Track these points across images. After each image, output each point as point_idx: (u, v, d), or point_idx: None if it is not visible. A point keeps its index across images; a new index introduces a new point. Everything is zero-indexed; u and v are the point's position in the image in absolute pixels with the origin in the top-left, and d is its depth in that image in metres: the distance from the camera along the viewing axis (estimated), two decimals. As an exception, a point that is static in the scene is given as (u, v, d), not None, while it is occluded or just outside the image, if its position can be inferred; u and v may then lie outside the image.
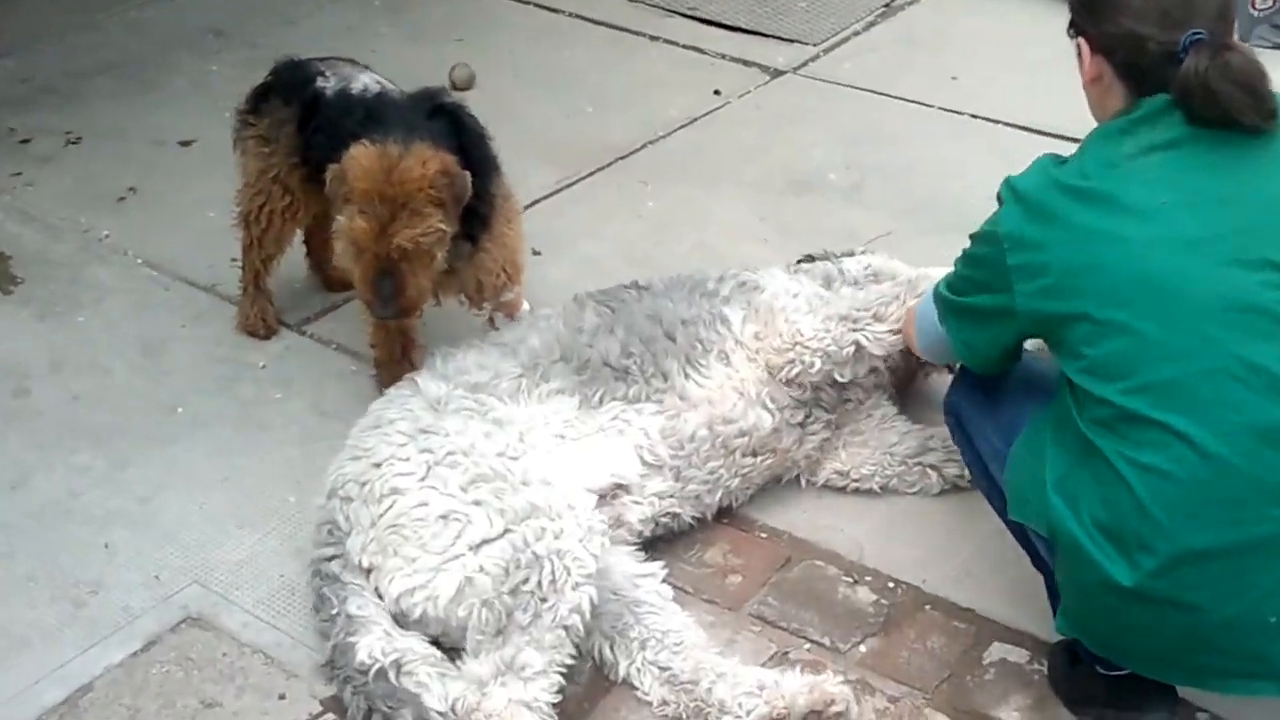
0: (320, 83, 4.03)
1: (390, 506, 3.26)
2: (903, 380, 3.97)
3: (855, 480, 3.76)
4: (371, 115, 3.77)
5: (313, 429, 4.01)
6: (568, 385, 3.56)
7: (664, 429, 3.56)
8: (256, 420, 4.06)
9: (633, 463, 3.52)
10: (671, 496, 3.56)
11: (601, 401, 3.56)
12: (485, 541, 3.16)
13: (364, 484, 3.32)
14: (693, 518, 3.62)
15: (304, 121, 4.03)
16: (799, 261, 4.24)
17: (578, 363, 3.60)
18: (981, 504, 3.35)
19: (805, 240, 4.81)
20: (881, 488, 3.75)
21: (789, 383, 3.65)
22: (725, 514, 3.69)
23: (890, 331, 3.63)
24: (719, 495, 3.64)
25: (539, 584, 3.08)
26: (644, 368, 3.61)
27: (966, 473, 3.49)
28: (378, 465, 3.34)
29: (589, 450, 3.49)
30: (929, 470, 3.75)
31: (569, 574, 3.10)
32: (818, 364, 3.62)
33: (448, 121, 3.78)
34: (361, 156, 3.54)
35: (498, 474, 3.26)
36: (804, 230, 4.91)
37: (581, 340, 3.65)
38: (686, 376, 3.63)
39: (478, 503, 3.21)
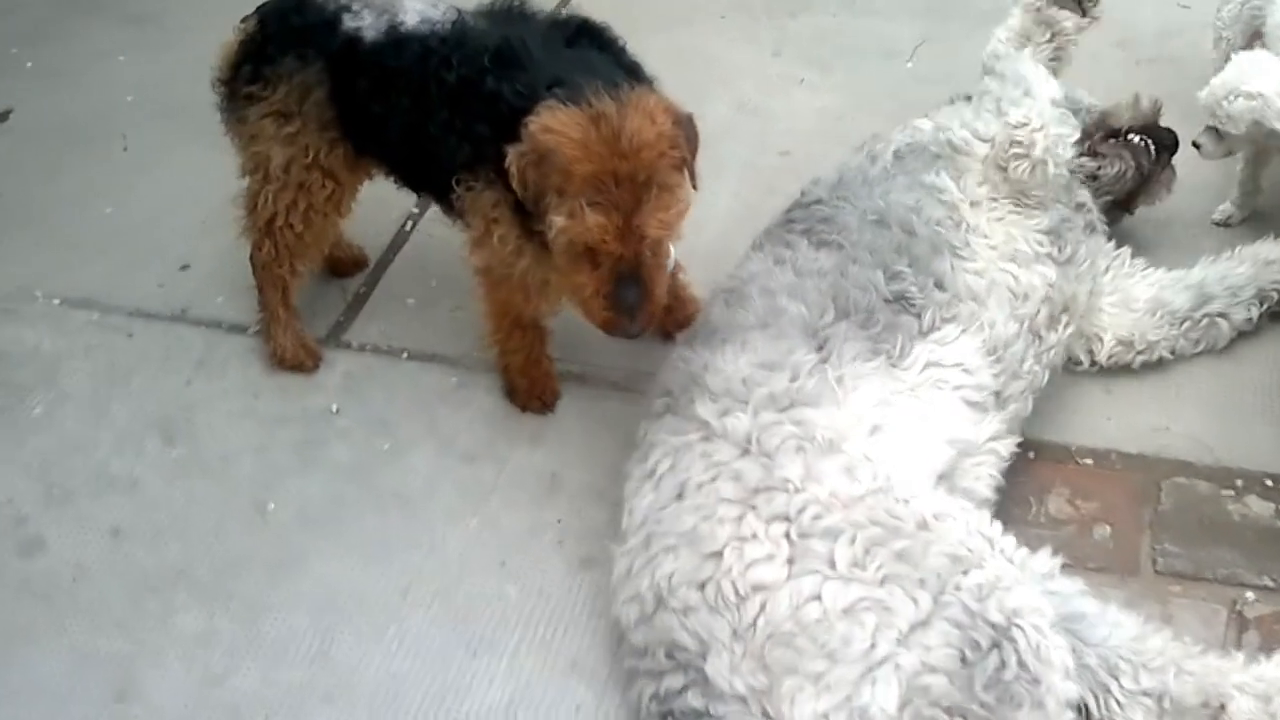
0: (350, 22, 2.90)
1: (760, 610, 2.39)
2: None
3: (1141, 350, 3.12)
4: (503, 58, 2.70)
5: (469, 484, 3.01)
6: (862, 350, 2.73)
7: (981, 347, 2.81)
8: (385, 492, 3.02)
9: (963, 414, 2.75)
10: (1003, 434, 2.81)
11: (904, 351, 2.76)
12: (917, 627, 2.33)
13: (704, 585, 2.44)
14: (1012, 453, 2.86)
15: (339, 82, 2.91)
16: None
17: (860, 315, 2.77)
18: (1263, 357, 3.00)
19: (849, 69, 4.07)
20: (1171, 352, 3.13)
21: (1026, 188, 3.00)
22: (1028, 448, 2.96)
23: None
24: (1030, 404, 2.92)
25: (1019, 662, 2.29)
26: (921, 284, 2.84)
27: (1253, 313, 3.13)
28: (716, 554, 2.45)
29: (913, 425, 2.69)
30: (1217, 320, 3.14)
31: (1040, 632, 2.32)
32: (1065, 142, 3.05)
33: (593, 47, 2.77)
34: (568, 125, 2.51)
35: (890, 527, 2.41)
36: (835, 58, 4.16)
37: (843, 283, 2.81)
38: (963, 267, 2.89)
39: (886, 578, 2.37)
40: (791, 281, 2.84)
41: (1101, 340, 3.10)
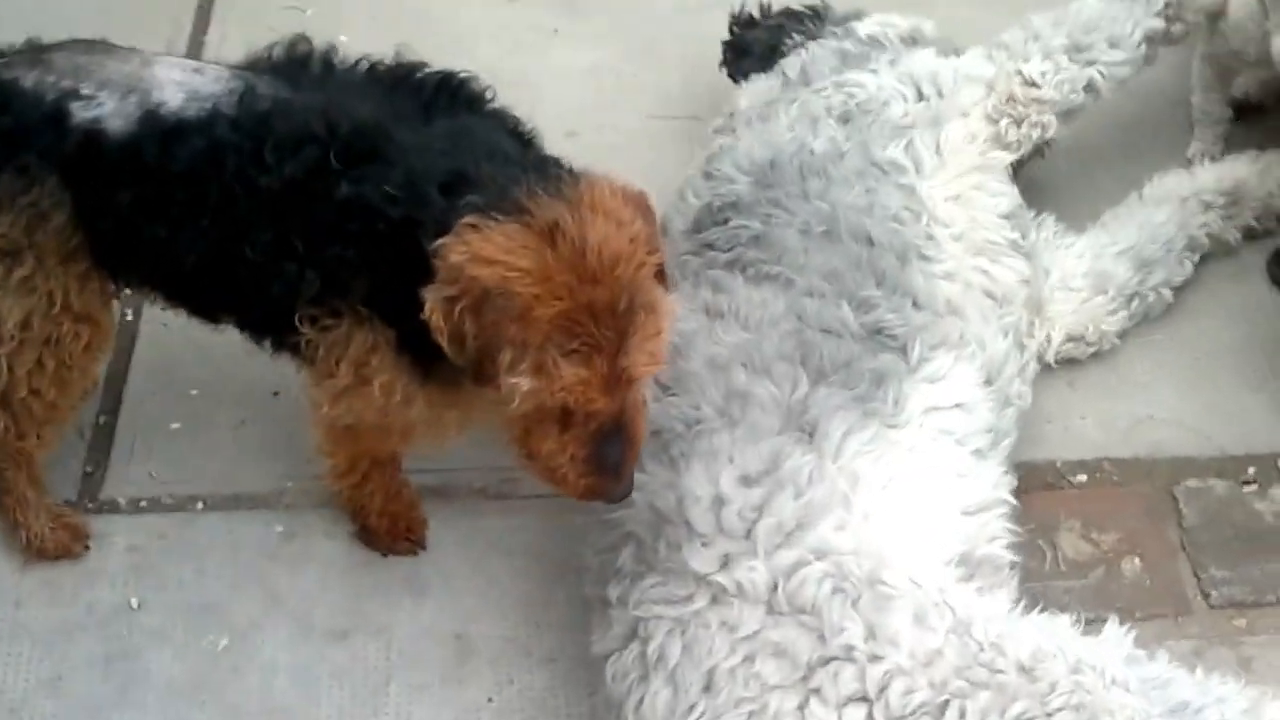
0: (83, 112, 2.10)
1: None
2: None
3: (1092, 343, 2.79)
4: (353, 149, 1.99)
5: (354, 674, 2.37)
6: (854, 421, 2.22)
7: (977, 376, 2.38)
8: (247, 709, 2.33)
9: (966, 469, 2.29)
10: (1000, 477, 2.37)
11: (898, 403, 2.27)
12: None
13: None
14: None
15: (83, 198, 2.13)
16: (732, 48, 3.06)
17: (839, 372, 2.26)
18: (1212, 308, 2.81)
19: (604, 9, 3.46)
20: (1121, 335, 2.82)
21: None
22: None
23: (1126, 63, 2.81)
24: (1017, 433, 2.52)
25: None
26: (897, 306, 2.36)
27: (1188, 268, 2.88)
28: None
29: (920, 498, 2.21)
30: (1161, 291, 2.85)
31: None
32: (1054, 122, 2.73)
33: (461, 107, 2.10)
34: (511, 250, 1.81)
35: (995, 685, 1.93)
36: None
37: (806, 333, 2.29)
38: (933, 272, 2.44)
39: None
40: (741, 343, 2.29)
41: (1049, 337, 2.73)
